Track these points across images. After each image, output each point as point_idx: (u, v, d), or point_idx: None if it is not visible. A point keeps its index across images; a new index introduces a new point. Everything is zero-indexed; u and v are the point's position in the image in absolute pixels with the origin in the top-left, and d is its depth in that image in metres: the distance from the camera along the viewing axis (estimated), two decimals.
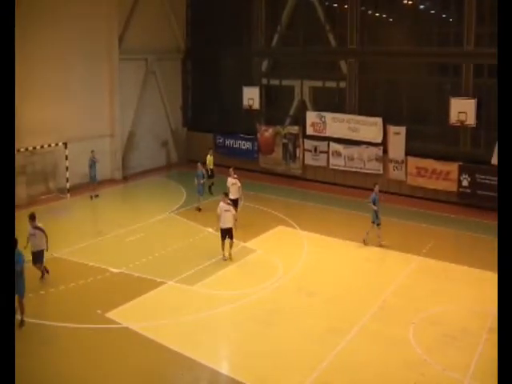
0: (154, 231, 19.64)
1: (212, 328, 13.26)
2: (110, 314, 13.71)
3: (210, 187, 23.50)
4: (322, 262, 17.03)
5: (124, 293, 14.88)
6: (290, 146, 26.81)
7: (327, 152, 25.61)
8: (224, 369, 11.72)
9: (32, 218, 15.34)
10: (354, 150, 24.82)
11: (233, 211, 17.02)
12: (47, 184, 24.20)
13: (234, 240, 17.12)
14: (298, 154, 26.48)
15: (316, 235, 19.10)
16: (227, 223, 16.81)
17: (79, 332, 13.01)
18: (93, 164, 23.58)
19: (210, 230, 19.32)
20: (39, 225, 15.40)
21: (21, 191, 22.63)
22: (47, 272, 15.74)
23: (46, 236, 15.40)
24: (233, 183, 19.91)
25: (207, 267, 16.46)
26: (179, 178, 27.46)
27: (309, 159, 26.17)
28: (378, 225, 17.90)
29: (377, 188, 18.06)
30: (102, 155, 25.77)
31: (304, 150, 26.30)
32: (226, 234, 16.89)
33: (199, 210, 21.70)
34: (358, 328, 13.04)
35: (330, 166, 25.43)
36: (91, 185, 23.81)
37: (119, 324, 13.29)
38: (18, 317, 12.55)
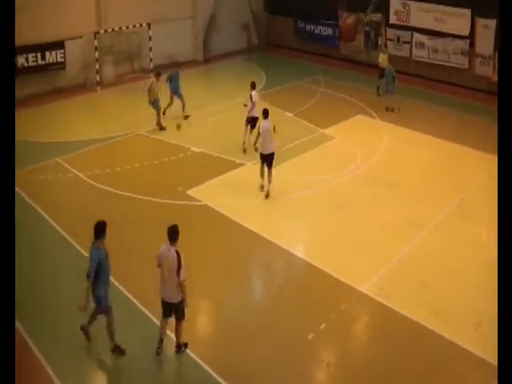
0: (235, 113, 18.78)
1: (288, 212, 12.84)
2: (191, 192, 13.52)
3: (378, 87, 21.04)
4: (401, 155, 15.90)
5: (204, 172, 14.56)
6: (372, 35, 24.77)
7: (410, 42, 23.45)
8: (299, 252, 11.38)
9: None
10: (438, 42, 22.53)
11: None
12: (132, 64, 23.79)
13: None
14: (379, 43, 24.46)
15: (396, 127, 17.78)
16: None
17: (162, 206, 12.93)
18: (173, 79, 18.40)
19: (289, 114, 18.55)
20: None
21: (108, 70, 22.45)
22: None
23: None
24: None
25: (285, 152, 15.69)
26: (259, 61, 26.13)
27: (391, 49, 24.09)
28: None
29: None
30: (184, 37, 24.99)
31: (386, 39, 24.22)
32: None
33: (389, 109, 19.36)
34: (435, 224, 12.24)
35: (413, 58, 23.38)
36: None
37: (199, 201, 13.09)
38: None
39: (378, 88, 20.92)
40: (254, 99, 15.65)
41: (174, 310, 8.25)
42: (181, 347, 8.57)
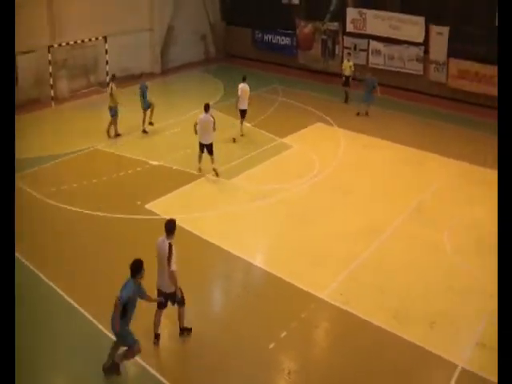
0: (193, 125, 18.95)
1: (247, 221, 12.93)
2: (149, 206, 13.46)
3: (346, 94, 21.45)
4: (359, 161, 16.22)
5: (163, 185, 14.53)
6: (330, 43, 25.25)
7: (367, 50, 24.03)
8: (258, 262, 11.47)
9: None
10: (394, 49, 23.20)
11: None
12: (88, 78, 23.53)
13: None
14: (337, 51, 24.98)
15: (354, 134, 18.15)
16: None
17: (120, 222, 12.83)
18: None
19: (248, 124, 18.54)
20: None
21: (62, 85, 22.18)
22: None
23: None
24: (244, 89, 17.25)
25: (244, 162, 15.88)
26: (217, 73, 26.25)
27: (348, 57, 24.64)
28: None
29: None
30: (142, 49, 24.94)
31: (343, 47, 24.74)
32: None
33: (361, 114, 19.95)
34: (393, 229, 12.52)
35: (370, 65, 23.87)
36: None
37: (158, 215, 13.02)
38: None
39: (346, 94, 21.40)
40: (238, 92, 17.18)
41: (170, 298, 8.76)
42: (183, 331, 9.09)
